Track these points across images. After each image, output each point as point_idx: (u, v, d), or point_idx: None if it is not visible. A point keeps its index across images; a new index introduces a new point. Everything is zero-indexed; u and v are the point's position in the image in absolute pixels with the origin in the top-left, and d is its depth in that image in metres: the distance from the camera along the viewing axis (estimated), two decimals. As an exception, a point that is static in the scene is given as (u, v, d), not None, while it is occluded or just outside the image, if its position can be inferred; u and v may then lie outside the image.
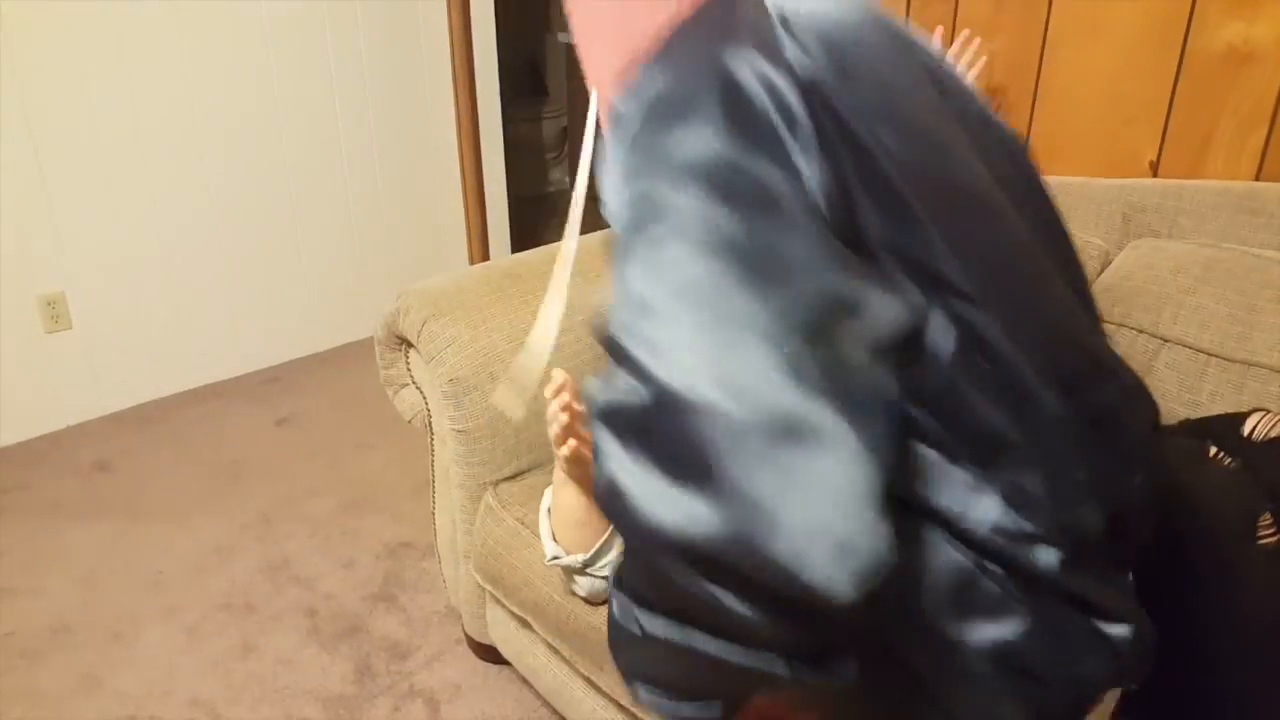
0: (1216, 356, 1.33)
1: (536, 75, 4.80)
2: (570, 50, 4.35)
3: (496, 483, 1.53)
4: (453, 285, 1.55)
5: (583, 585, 1.28)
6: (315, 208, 3.02)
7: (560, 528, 1.26)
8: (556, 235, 1.81)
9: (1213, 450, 1.03)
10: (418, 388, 1.58)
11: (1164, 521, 0.95)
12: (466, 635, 1.81)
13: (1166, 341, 1.40)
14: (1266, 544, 0.94)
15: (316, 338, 3.15)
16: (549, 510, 1.30)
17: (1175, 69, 1.61)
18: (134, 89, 2.55)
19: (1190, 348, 1.37)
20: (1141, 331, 1.42)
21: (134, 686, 1.78)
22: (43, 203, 2.48)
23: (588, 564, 1.24)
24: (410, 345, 1.54)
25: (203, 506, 2.33)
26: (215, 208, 2.80)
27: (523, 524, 1.46)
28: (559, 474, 1.24)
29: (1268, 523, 0.95)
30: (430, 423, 1.59)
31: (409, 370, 1.58)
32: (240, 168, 2.82)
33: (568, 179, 4.78)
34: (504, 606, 1.54)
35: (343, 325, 3.19)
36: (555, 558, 1.26)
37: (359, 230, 3.14)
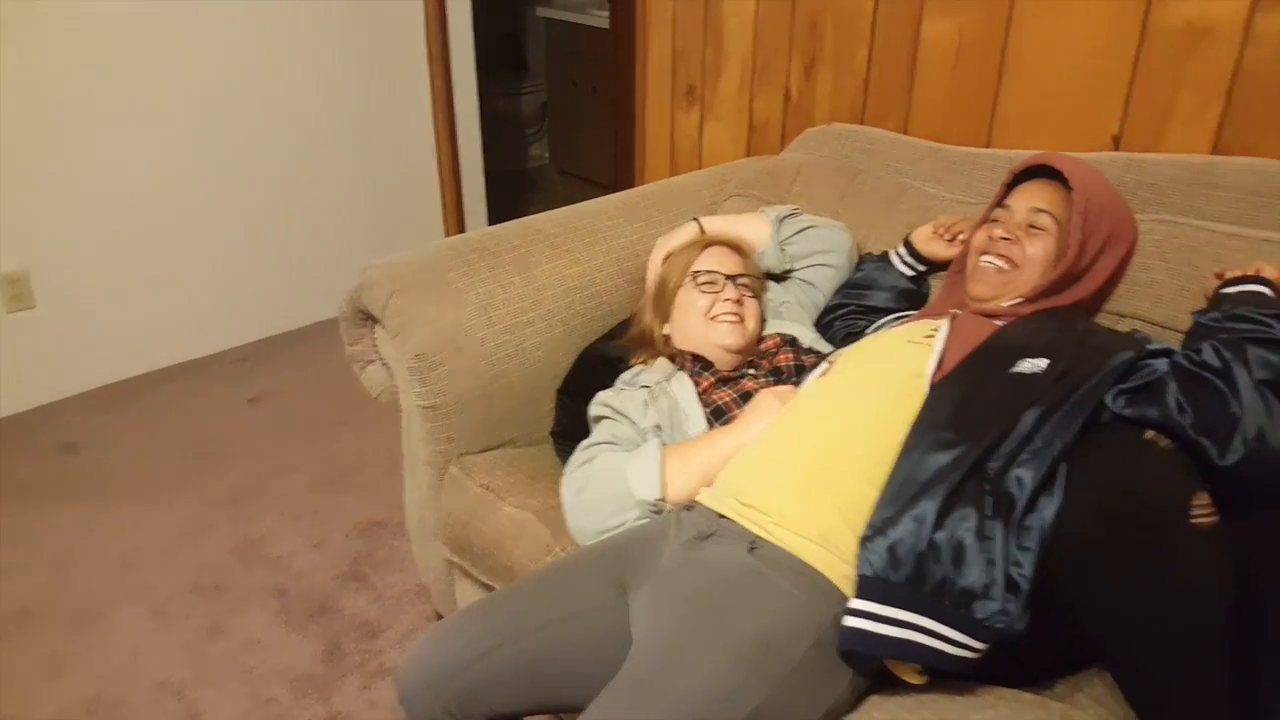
0: (1170, 329, 1.34)
1: (517, 51, 4.75)
2: (550, 26, 4.31)
3: (461, 456, 1.52)
4: (419, 260, 1.53)
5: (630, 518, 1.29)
6: (286, 183, 2.98)
7: (698, 477, 1.28)
8: (536, 210, 1.81)
9: (1149, 433, 1.03)
10: (384, 364, 1.57)
11: (1101, 503, 0.97)
12: (437, 613, 1.80)
13: (1122, 316, 1.41)
14: (1201, 524, 0.95)
15: (290, 315, 3.11)
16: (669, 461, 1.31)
17: (1137, 44, 1.61)
18: (99, 63, 2.50)
19: (1145, 321, 1.38)
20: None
21: (101, 669, 1.77)
22: (3, 180, 2.43)
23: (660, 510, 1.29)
24: (375, 321, 1.52)
25: (172, 487, 2.31)
26: (184, 184, 2.76)
27: (488, 489, 1.46)
28: (757, 425, 1.27)
29: (1203, 502, 0.96)
30: (398, 399, 1.58)
31: (375, 346, 1.57)
32: (209, 144, 2.77)
33: (547, 154, 4.74)
34: (472, 578, 1.53)
35: (316, 302, 3.15)
36: (659, 499, 1.28)
37: (332, 206, 3.10)
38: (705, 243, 1.56)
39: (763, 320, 1.57)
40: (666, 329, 1.55)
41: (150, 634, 1.85)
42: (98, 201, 2.61)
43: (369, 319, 1.54)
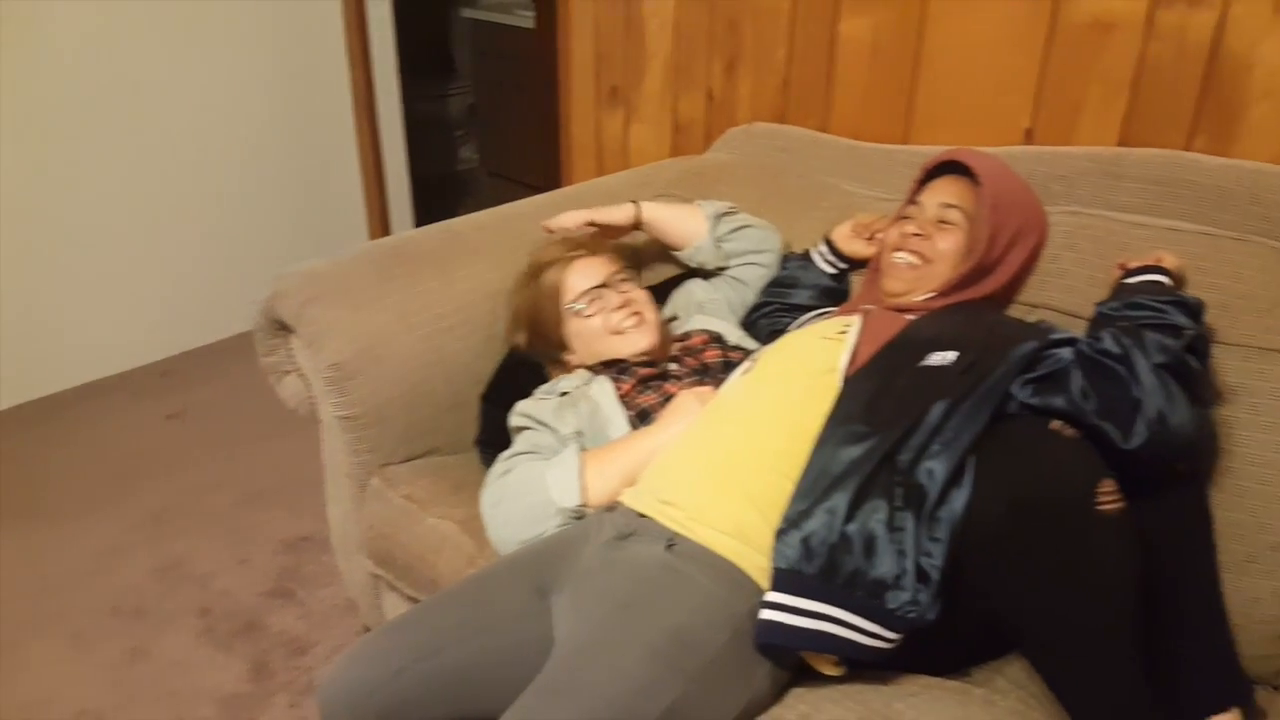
0: (1080, 318, 1.36)
1: (443, 52, 4.70)
2: (476, 27, 4.27)
3: (383, 466, 1.50)
4: (334, 267, 1.50)
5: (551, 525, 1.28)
6: (206, 191, 2.90)
7: (618, 480, 1.27)
8: (467, 213, 1.79)
9: (1055, 423, 1.05)
10: (301, 374, 1.53)
11: (1010, 493, 0.98)
12: (366, 627, 1.77)
13: (1034, 307, 1.43)
14: (1107, 510, 0.97)
15: (213, 327, 3.02)
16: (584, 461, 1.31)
17: (1045, 40, 1.64)
18: (6, 71, 2.41)
19: (1055, 311, 1.41)
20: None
21: (15, 700, 1.70)
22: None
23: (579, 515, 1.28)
24: (290, 330, 1.49)
25: (90, 508, 2.23)
26: (99, 195, 2.67)
27: (410, 500, 1.43)
28: (678, 426, 1.28)
29: (1109, 489, 0.98)
30: (316, 410, 1.55)
31: (291, 356, 1.53)
32: (124, 149, 2.69)
33: (476, 156, 4.69)
34: (398, 591, 1.50)
35: (241, 313, 3.05)
36: (580, 505, 1.27)
37: (254, 214, 3.03)
38: (565, 263, 1.51)
39: (659, 308, 1.57)
40: (570, 358, 1.53)
41: (68, 660, 1.79)
42: (7, 213, 2.51)
43: (284, 329, 1.51)
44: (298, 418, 1.62)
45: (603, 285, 1.49)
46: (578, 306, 1.48)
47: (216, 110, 2.86)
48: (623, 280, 1.52)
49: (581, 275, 1.50)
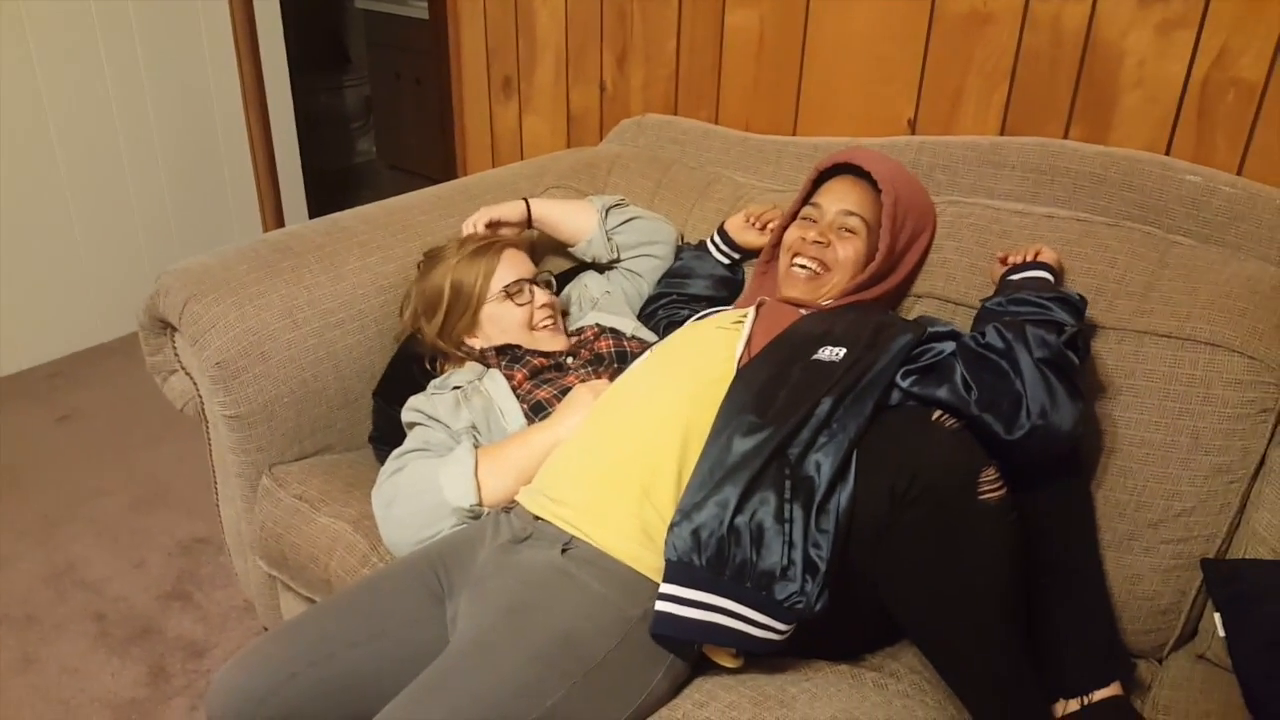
0: (963, 305, 1.41)
1: (338, 44, 4.61)
2: (370, 18, 4.20)
3: (273, 466, 1.48)
4: (217, 263, 1.48)
5: (446, 526, 1.28)
6: (95, 188, 2.80)
7: (514, 476, 1.27)
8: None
9: (936, 414, 1.07)
10: (187, 373, 1.51)
11: (892, 485, 1.00)
12: (264, 628, 1.75)
13: (920, 298, 1.47)
14: (989, 499, 1.00)
15: (103, 327, 2.93)
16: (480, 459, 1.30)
17: (926, 31, 1.68)
18: None
19: (938, 299, 1.44)
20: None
21: (-108, 717, 1.65)
22: None
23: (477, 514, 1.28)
24: (173, 329, 1.46)
25: (-28, 516, 2.15)
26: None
27: (302, 500, 1.42)
28: (573, 425, 1.28)
29: (990, 477, 1.00)
30: (203, 409, 1.52)
31: (176, 355, 1.50)
32: (7, 145, 2.57)
33: (374, 149, 4.62)
34: (295, 592, 1.49)
35: (130, 312, 2.96)
36: (476, 504, 1.27)
37: (142, 210, 2.94)
38: (499, 249, 1.54)
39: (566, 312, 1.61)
40: (475, 341, 1.53)
41: (-50, 676, 1.73)
42: None
43: (167, 327, 1.48)
44: (188, 418, 1.59)
45: (531, 281, 1.52)
46: (509, 292, 1.50)
47: (104, 106, 2.76)
48: (545, 282, 1.56)
49: (514, 264, 1.53)
